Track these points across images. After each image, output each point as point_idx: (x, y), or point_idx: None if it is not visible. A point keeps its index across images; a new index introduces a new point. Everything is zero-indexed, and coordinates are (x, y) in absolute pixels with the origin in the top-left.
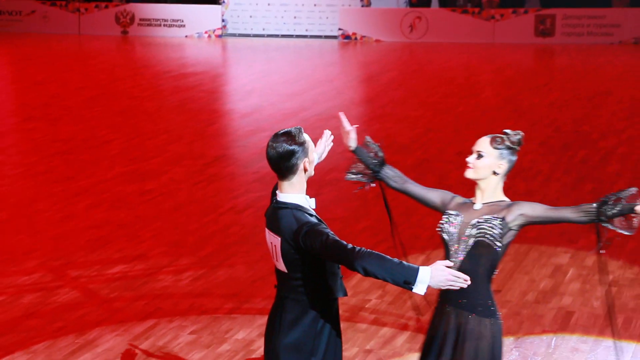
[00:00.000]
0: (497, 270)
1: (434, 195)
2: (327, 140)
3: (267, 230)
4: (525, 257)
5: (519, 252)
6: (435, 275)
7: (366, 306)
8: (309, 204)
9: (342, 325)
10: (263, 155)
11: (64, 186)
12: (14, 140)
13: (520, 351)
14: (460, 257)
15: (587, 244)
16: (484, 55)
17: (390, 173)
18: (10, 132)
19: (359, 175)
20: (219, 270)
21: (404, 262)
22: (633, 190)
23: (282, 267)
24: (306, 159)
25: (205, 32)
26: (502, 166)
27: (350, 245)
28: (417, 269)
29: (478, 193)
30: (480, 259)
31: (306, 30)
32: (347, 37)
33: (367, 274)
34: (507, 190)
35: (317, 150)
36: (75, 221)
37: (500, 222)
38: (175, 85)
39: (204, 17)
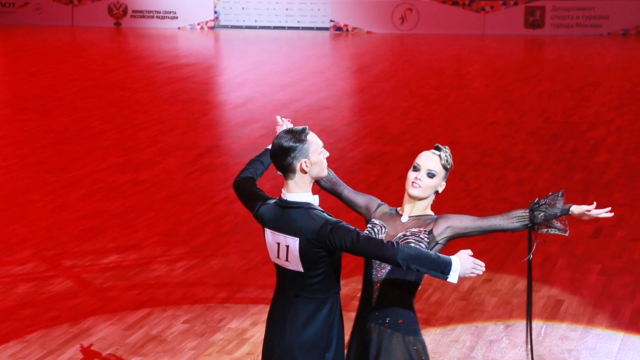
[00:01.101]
0: (421, 286)
1: (360, 200)
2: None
3: (270, 231)
4: (515, 246)
5: (509, 242)
6: (463, 263)
7: (358, 295)
8: (315, 201)
9: None
10: (255, 145)
11: (58, 176)
12: (8, 131)
13: (510, 339)
14: (385, 269)
15: (576, 232)
16: (474, 47)
17: None
18: (4, 123)
19: None
20: (212, 260)
21: (438, 254)
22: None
23: (296, 267)
24: (305, 160)
25: (198, 24)
26: (443, 186)
27: (384, 241)
28: (450, 260)
29: (408, 206)
30: (406, 274)
31: (298, 22)
32: (338, 28)
33: (408, 268)
34: (497, 180)
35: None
36: (68, 211)
37: (428, 236)
38: (168, 77)
39: (196, 9)
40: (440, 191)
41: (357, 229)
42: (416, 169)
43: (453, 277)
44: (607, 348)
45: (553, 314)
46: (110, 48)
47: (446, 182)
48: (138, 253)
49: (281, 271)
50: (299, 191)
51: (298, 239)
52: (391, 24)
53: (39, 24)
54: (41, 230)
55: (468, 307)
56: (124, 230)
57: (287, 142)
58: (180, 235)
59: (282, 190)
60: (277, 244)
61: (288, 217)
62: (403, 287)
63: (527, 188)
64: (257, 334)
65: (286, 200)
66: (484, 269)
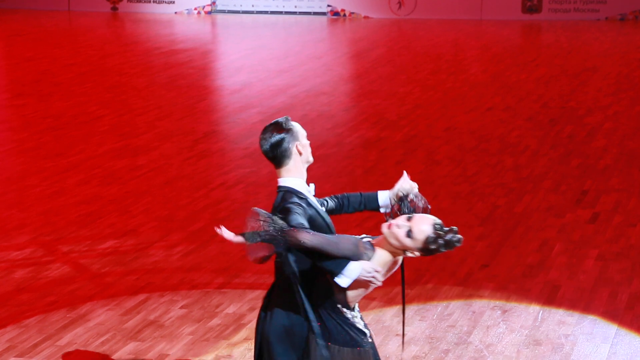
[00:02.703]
0: (349, 308)
1: None
2: (403, 182)
3: None
4: (512, 232)
5: (507, 227)
6: (364, 272)
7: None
8: (309, 189)
9: None
10: (253, 131)
11: (55, 162)
12: (4, 116)
13: (507, 324)
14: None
15: (574, 218)
16: (472, 32)
17: None
18: (1, 109)
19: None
20: (210, 245)
21: (344, 253)
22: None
23: None
24: (297, 142)
25: (195, 9)
26: (415, 254)
27: (303, 227)
28: (348, 263)
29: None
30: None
31: (295, 6)
32: (335, 13)
33: (308, 255)
34: (495, 166)
35: (392, 191)
36: (65, 197)
37: None
38: (165, 62)
39: None
40: (407, 255)
41: (299, 221)
42: (410, 218)
43: (343, 280)
44: (603, 333)
45: (550, 299)
46: (107, 33)
47: (429, 205)
48: (135, 238)
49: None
50: (290, 176)
51: None
52: (388, 8)
53: (35, 9)
54: (38, 215)
55: (465, 292)
56: (122, 216)
57: (279, 133)
58: (178, 220)
59: (278, 180)
60: None
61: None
62: (320, 300)
63: (524, 174)
64: (255, 319)
65: (278, 186)
66: (379, 283)
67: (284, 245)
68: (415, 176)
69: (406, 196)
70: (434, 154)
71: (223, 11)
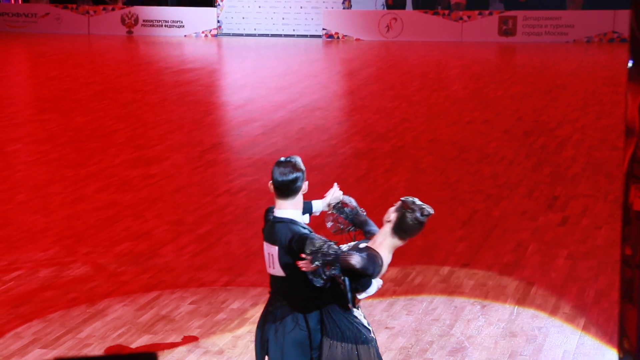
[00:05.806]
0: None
1: None
2: (334, 192)
3: (264, 243)
4: (490, 234)
5: (485, 230)
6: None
7: None
8: (303, 219)
9: None
10: (255, 142)
11: (75, 171)
12: (30, 130)
13: (486, 318)
14: None
15: (545, 221)
16: (453, 53)
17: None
18: (27, 123)
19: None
20: (216, 247)
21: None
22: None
23: (279, 272)
24: (305, 182)
25: (203, 32)
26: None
27: (351, 252)
28: (371, 282)
29: None
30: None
31: (293, 30)
32: (330, 36)
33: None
34: (474, 174)
35: (324, 200)
36: (85, 203)
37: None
38: (175, 80)
39: (201, 19)
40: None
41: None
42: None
43: (363, 295)
44: (573, 325)
45: (524, 295)
46: (123, 54)
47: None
48: (149, 240)
49: (271, 279)
50: (291, 208)
51: (277, 247)
52: (378, 31)
53: (58, 33)
54: (61, 220)
55: (448, 289)
56: (136, 220)
57: (295, 173)
58: (187, 224)
59: (274, 209)
60: (268, 254)
61: (274, 230)
62: None
63: (501, 181)
64: (257, 313)
65: (276, 217)
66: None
67: (339, 268)
68: (402, 184)
69: (338, 203)
70: (419, 164)
71: (228, 34)
